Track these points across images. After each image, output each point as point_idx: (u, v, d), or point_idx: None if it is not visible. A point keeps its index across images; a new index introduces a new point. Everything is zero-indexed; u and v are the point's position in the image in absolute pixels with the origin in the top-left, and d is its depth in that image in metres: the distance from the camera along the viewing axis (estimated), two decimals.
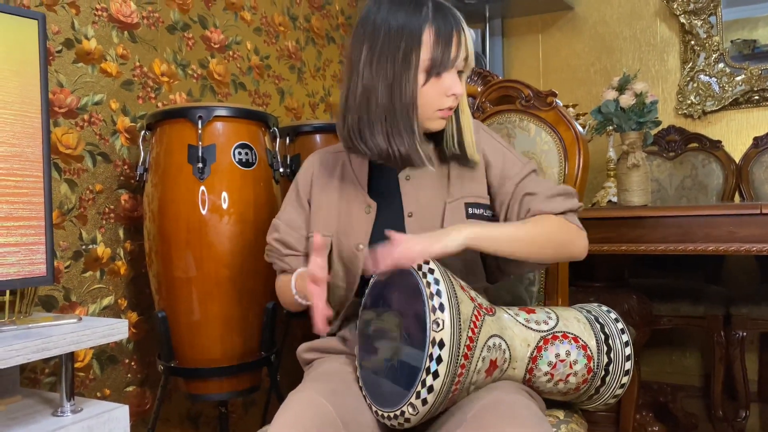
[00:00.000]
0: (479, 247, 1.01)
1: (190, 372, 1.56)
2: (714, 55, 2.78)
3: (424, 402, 0.88)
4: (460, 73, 1.10)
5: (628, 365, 1.09)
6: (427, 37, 1.05)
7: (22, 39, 1.16)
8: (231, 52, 2.13)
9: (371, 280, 1.07)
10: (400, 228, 1.12)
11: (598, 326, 1.09)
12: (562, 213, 1.11)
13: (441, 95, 1.08)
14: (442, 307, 0.89)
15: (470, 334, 0.91)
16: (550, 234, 1.08)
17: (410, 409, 0.90)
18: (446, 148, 1.15)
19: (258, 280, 1.57)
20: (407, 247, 0.95)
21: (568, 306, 1.32)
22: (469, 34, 1.09)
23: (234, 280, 1.53)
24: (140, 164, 1.60)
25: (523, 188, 1.13)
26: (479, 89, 1.49)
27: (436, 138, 1.17)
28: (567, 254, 1.12)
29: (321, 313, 1.00)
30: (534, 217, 1.10)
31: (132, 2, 1.79)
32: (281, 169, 1.68)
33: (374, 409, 0.97)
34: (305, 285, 1.05)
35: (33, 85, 1.17)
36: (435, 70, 1.06)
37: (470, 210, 1.13)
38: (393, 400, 0.93)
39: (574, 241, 1.11)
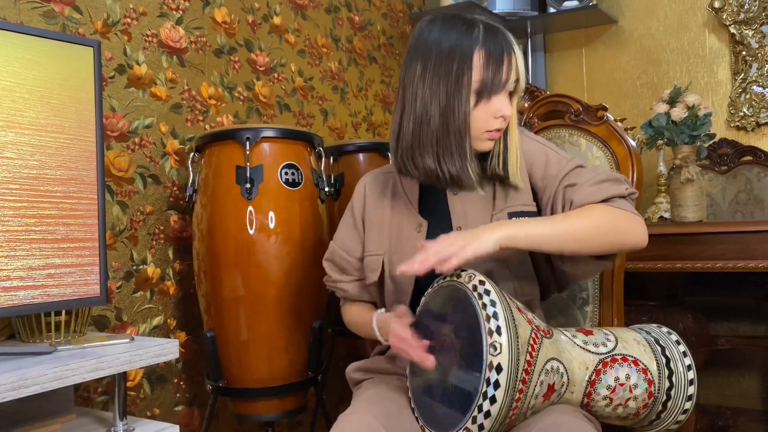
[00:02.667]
0: (517, 244, 0.98)
1: (239, 392, 1.56)
2: (767, 66, 2.69)
3: (481, 428, 0.86)
4: (510, 93, 1.09)
5: (691, 390, 1.04)
6: (477, 59, 1.04)
7: (79, 66, 1.19)
8: (276, 75, 2.16)
9: (422, 300, 1.05)
10: None
11: (659, 348, 1.05)
12: (609, 199, 1.04)
13: (490, 117, 1.07)
14: (499, 330, 0.86)
15: (528, 357, 0.89)
16: (597, 222, 1.01)
17: None
18: (489, 168, 1.12)
19: (305, 300, 1.57)
20: (440, 250, 0.94)
21: (623, 326, 1.28)
22: (521, 56, 1.08)
23: (281, 300, 1.53)
24: (189, 185, 1.63)
25: (565, 182, 1.09)
26: (526, 105, 1.47)
27: (480, 156, 1.15)
28: (621, 243, 1.03)
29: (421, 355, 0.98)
30: (579, 208, 1.05)
31: (180, 28, 1.83)
32: (326, 189, 1.68)
33: (427, 431, 0.95)
34: (387, 331, 1.08)
35: (88, 110, 1.21)
36: (485, 93, 1.04)
37: (514, 219, 1.11)
38: (447, 424, 0.90)
39: (627, 228, 1.03)
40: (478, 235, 0.96)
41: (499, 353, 0.85)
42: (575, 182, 1.08)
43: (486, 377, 0.85)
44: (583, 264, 1.09)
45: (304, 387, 1.62)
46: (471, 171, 1.06)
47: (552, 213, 1.11)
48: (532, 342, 0.90)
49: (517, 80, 1.08)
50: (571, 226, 1.01)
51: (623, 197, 1.06)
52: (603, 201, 1.04)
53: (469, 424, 0.86)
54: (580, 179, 1.08)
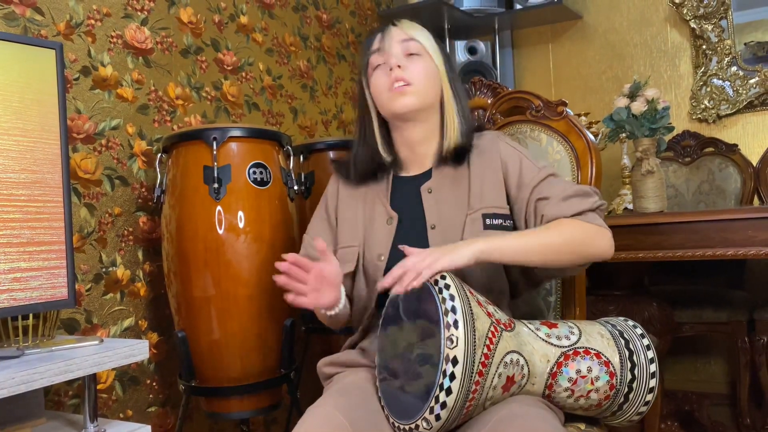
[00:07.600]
0: (491, 259, 1.02)
1: (211, 391, 1.57)
2: (726, 59, 2.76)
3: (438, 417, 0.88)
4: (411, 56, 1.16)
5: (652, 382, 1.06)
6: (367, 48, 1.22)
7: (41, 68, 1.19)
8: (244, 74, 2.16)
9: (390, 294, 1.07)
10: (423, 240, 1.14)
11: (623, 342, 1.07)
12: (579, 214, 1.09)
13: (382, 76, 1.16)
14: (456, 324, 0.89)
15: (485, 351, 0.91)
16: (566, 237, 1.06)
17: (424, 424, 0.90)
18: (445, 148, 1.19)
19: (276, 298, 1.58)
20: (415, 263, 0.97)
21: (585, 316, 1.31)
22: (409, 22, 1.20)
23: (252, 299, 1.54)
24: (157, 186, 1.63)
25: (537, 194, 1.13)
26: (489, 101, 1.49)
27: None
28: (589, 255, 1.08)
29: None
30: (550, 223, 1.09)
31: (146, 28, 1.83)
32: (296, 187, 1.69)
33: (391, 420, 0.98)
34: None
35: (52, 112, 1.20)
36: (370, 67, 1.19)
37: (488, 221, 1.14)
38: (409, 413, 0.93)
39: (595, 242, 1.08)
40: (454, 249, 0.99)
41: (456, 346, 0.88)
42: (547, 195, 1.12)
43: (443, 369, 0.87)
44: (552, 271, 1.13)
45: (277, 384, 1.63)
46: (383, 152, 1.21)
47: (525, 224, 1.15)
48: (490, 335, 0.93)
49: (410, 40, 1.17)
50: (542, 240, 1.06)
51: (592, 210, 1.10)
52: (573, 216, 1.09)
53: (426, 414, 0.89)
54: (551, 192, 1.12)
